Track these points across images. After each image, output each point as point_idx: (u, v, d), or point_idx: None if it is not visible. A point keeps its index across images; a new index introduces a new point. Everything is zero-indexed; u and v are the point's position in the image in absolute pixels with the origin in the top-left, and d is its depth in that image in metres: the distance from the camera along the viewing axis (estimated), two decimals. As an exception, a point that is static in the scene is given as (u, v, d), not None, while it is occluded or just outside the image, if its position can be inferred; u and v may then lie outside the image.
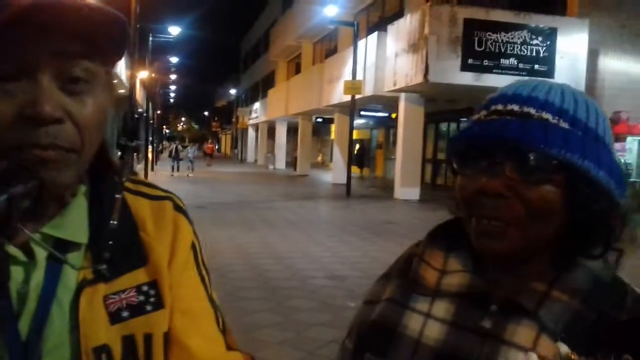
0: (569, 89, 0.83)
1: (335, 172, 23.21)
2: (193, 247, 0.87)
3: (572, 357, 0.72)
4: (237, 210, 12.82)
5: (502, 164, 0.77)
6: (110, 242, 0.78)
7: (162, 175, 25.25)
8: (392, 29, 16.55)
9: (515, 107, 0.79)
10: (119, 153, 0.84)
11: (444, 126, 22.24)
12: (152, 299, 0.80)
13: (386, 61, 16.73)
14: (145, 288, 0.80)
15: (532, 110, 0.78)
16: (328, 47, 27.47)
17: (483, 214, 0.79)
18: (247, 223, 10.88)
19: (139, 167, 22.56)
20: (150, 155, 27.28)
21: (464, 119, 20.01)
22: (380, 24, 20.00)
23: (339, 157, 23.27)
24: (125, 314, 0.77)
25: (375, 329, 0.89)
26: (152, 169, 27.03)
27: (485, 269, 0.85)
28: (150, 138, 30.22)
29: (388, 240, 9.30)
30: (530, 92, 0.80)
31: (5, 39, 0.66)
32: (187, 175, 24.66)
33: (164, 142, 45.03)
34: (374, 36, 18.10)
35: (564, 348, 0.72)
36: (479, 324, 0.81)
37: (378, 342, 0.88)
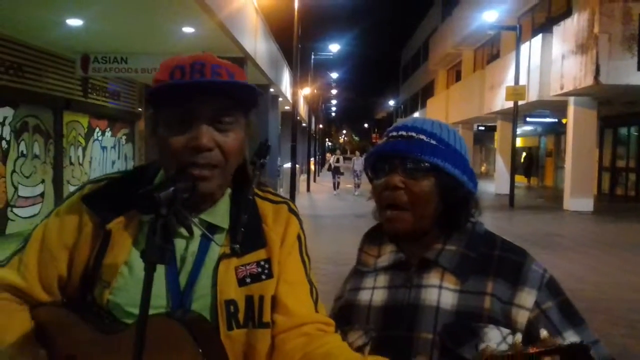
0: (438, 122, 1.29)
1: (499, 182, 22.31)
2: (298, 238, 1.19)
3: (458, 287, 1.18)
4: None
5: (397, 168, 1.23)
6: (243, 230, 1.10)
7: (324, 187, 25.00)
8: (558, 29, 15.59)
9: (404, 132, 1.25)
10: (253, 168, 1.17)
11: (623, 130, 20.23)
12: (266, 271, 1.12)
13: (552, 64, 15.80)
14: (262, 263, 1.12)
15: (414, 134, 1.24)
16: (490, 52, 26.54)
17: (388, 203, 1.23)
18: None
19: (302, 178, 23.38)
20: (312, 167, 28.20)
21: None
22: (544, 26, 18.90)
23: (502, 166, 22.34)
24: (248, 280, 1.10)
25: (342, 311, 1.30)
26: (315, 180, 27.99)
27: (403, 247, 1.28)
28: (313, 150, 31.08)
29: (550, 254, 8.70)
30: (413, 123, 1.27)
31: (184, 101, 1.04)
32: (354, 194, 21.05)
33: (328, 155, 45.40)
34: (538, 38, 17.19)
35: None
36: (406, 281, 1.24)
37: (345, 317, 1.27)
